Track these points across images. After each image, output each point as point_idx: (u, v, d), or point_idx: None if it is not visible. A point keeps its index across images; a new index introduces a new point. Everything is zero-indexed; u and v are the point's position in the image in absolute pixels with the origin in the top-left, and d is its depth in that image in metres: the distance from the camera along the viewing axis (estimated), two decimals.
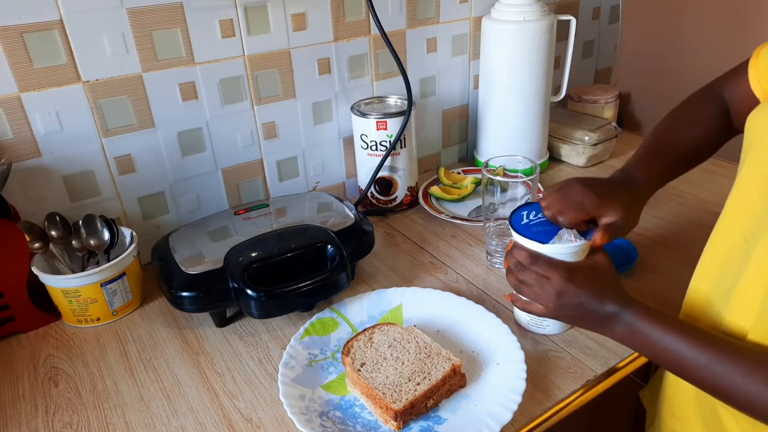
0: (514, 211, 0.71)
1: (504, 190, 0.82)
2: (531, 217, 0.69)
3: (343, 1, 0.95)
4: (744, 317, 0.56)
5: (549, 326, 0.72)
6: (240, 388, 0.68)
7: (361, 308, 0.77)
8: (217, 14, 0.85)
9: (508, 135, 1.10)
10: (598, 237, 0.65)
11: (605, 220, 0.66)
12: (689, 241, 0.90)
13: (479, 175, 1.03)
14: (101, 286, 0.76)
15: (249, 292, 0.70)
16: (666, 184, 0.74)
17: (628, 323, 0.59)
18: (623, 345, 0.61)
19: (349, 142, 1.05)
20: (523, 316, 0.73)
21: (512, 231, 0.68)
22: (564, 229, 0.66)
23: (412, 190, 1.05)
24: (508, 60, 1.04)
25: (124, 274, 0.79)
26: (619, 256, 0.86)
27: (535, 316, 0.71)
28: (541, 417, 0.62)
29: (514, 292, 0.68)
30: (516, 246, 0.66)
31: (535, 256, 0.64)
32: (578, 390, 0.65)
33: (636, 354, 0.69)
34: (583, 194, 0.67)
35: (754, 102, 0.66)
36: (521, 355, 0.66)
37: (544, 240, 0.65)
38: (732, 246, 0.59)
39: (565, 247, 0.64)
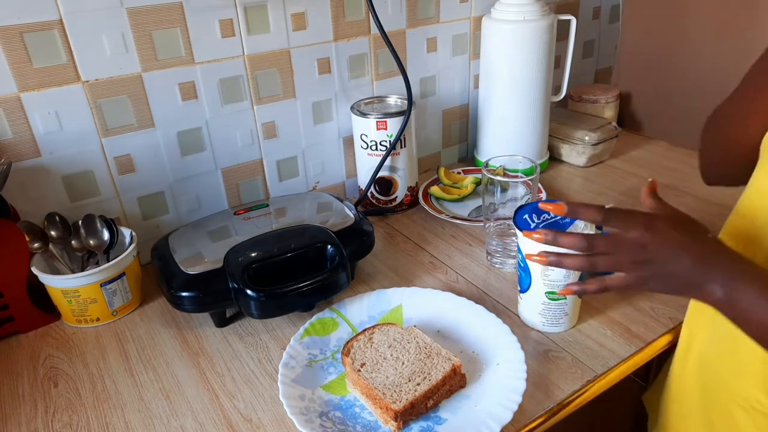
0: (516, 214, 0.69)
1: (504, 190, 0.82)
2: (536, 220, 0.68)
3: (343, 0, 0.95)
4: None
5: (563, 324, 0.72)
6: (240, 389, 0.68)
7: (361, 308, 0.77)
8: (217, 14, 0.85)
9: (509, 135, 1.10)
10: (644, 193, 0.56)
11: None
12: None
13: (479, 175, 1.03)
14: (101, 286, 0.76)
15: (249, 292, 0.70)
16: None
17: (732, 285, 0.48)
18: (722, 312, 0.51)
19: (349, 142, 1.05)
20: (536, 318, 0.72)
21: (521, 233, 0.65)
22: (577, 222, 0.63)
23: (412, 190, 1.05)
24: (509, 60, 1.04)
25: (123, 274, 0.79)
26: None
27: (549, 316, 0.70)
28: (541, 417, 0.62)
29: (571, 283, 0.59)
30: (574, 205, 0.54)
31: (604, 209, 0.52)
32: (578, 390, 0.65)
33: (636, 354, 0.69)
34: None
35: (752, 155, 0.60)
36: (521, 355, 0.66)
37: None
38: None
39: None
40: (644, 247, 0.50)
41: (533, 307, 0.72)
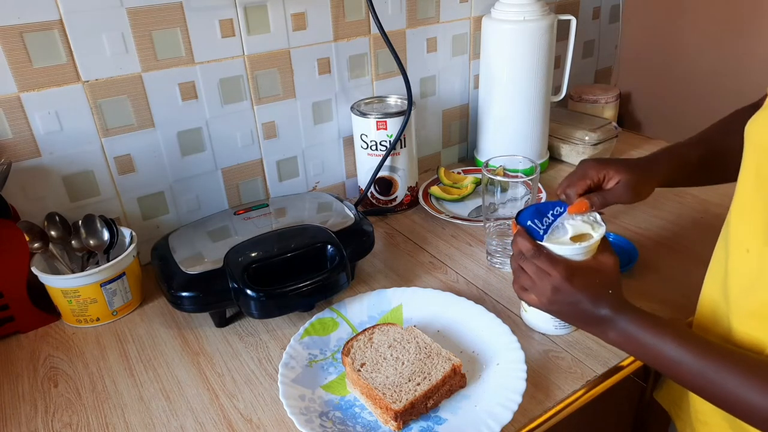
0: (520, 217, 0.68)
1: (504, 190, 0.82)
2: (542, 226, 0.66)
3: (343, 0, 0.95)
4: (757, 329, 0.55)
5: (568, 328, 0.72)
6: (240, 389, 0.68)
7: (361, 308, 0.77)
8: (217, 14, 0.85)
9: (509, 135, 1.10)
10: (594, 199, 0.67)
11: (610, 183, 0.68)
12: (689, 241, 0.90)
13: (479, 175, 1.03)
14: (101, 286, 0.76)
15: (249, 292, 0.70)
16: (692, 179, 0.74)
17: (621, 329, 0.59)
18: (618, 349, 0.62)
19: (349, 142, 1.05)
20: (548, 324, 0.72)
21: (516, 223, 0.67)
22: (564, 218, 0.66)
23: (412, 190, 1.05)
24: (509, 60, 1.04)
25: (123, 274, 0.79)
26: (619, 256, 0.86)
27: (559, 321, 0.71)
28: (541, 417, 0.62)
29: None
30: (520, 234, 0.65)
31: (539, 249, 0.63)
32: (578, 390, 0.65)
33: None
34: (590, 163, 0.70)
35: None
36: (521, 355, 0.66)
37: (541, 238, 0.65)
38: (739, 256, 0.57)
39: (571, 249, 0.63)
40: (555, 290, 0.61)
41: (542, 313, 0.69)
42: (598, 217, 0.68)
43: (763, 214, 0.54)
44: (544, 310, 0.65)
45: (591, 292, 0.61)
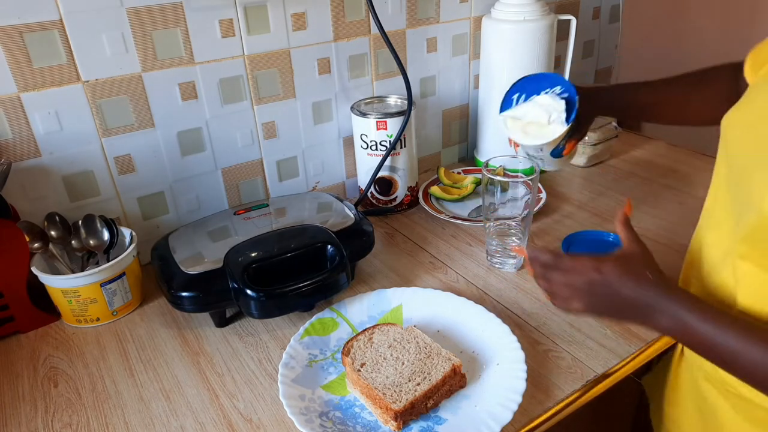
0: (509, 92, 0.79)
1: (504, 190, 0.82)
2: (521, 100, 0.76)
3: (343, 0, 0.95)
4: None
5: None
6: (240, 389, 0.68)
7: (361, 308, 0.77)
8: (217, 14, 0.85)
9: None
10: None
11: None
12: (689, 241, 0.90)
13: (479, 175, 1.03)
14: (101, 286, 0.76)
15: (249, 292, 0.70)
16: (649, 113, 0.82)
17: (674, 314, 0.54)
18: (670, 337, 0.58)
19: (349, 142, 1.05)
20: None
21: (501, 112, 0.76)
22: (542, 95, 0.74)
23: (412, 190, 1.05)
24: (509, 60, 1.04)
25: (123, 274, 0.79)
26: None
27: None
28: (541, 417, 0.62)
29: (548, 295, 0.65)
30: (534, 251, 0.64)
31: (556, 254, 0.61)
32: (578, 390, 0.65)
33: (636, 354, 0.69)
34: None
35: None
36: (521, 355, 0.66)
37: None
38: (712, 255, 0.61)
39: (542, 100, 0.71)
40: (589, 285, 0.58)
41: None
42: (563, 116, 0.74)
43: (733, 204, 0.57)
44: (595, 315, 0.62)
45: (628, 276, 0.57)
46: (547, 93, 0.76)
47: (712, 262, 0.61)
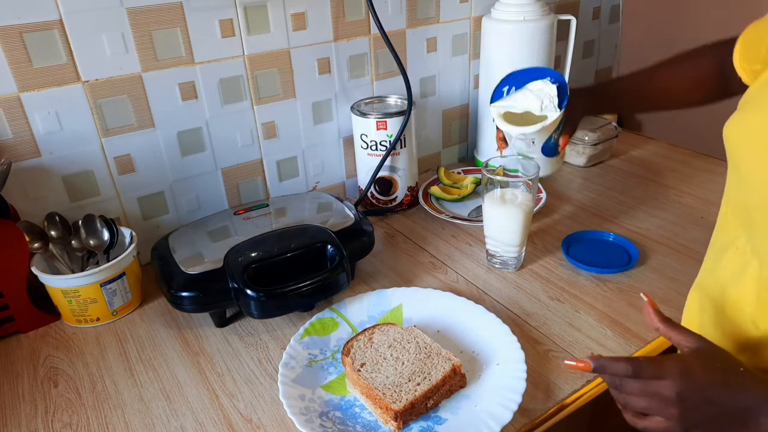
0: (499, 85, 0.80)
1: None
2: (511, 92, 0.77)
3: (343, 0, 0.95)
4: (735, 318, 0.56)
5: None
6: (240, 389, 0.68)
7: (361, 308, 0.77)
8: (217, 14, 0.85)
9: None
10: None
11: None
12: (689, 241, 0.90)
13: (479, 175, 1.03)
14: (101, 286, 0.76)
15: (249, 292, 0.70)
16: (637, 107, 0.84)
17: None
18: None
19: (349, 142, 1.05)
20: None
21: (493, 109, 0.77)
22: (536, 82, 0.74)
23: (412, 190, 1.05)
24: (509, 60, 1.04)
25: (123, 274, 0.79)
26: (619, 255, 0.87)
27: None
28: (541, 417, 0.62)
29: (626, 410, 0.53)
30: (598, 361, 0.50)
31: (633, 361, 0.49)
32: (578, 390, 0.65)
33: (636, 354, 0.69)
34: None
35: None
36: (521, 355, 0.66)
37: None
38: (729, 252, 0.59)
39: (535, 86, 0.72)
40: (681, 396, 0.47)
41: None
42: (556, 100, 0.74)
43: (745, 211, 0.55)
44: (683, 429, 0.49)
45: (722, 378, 0.48)
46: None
47: (726, 278, 0.59)
